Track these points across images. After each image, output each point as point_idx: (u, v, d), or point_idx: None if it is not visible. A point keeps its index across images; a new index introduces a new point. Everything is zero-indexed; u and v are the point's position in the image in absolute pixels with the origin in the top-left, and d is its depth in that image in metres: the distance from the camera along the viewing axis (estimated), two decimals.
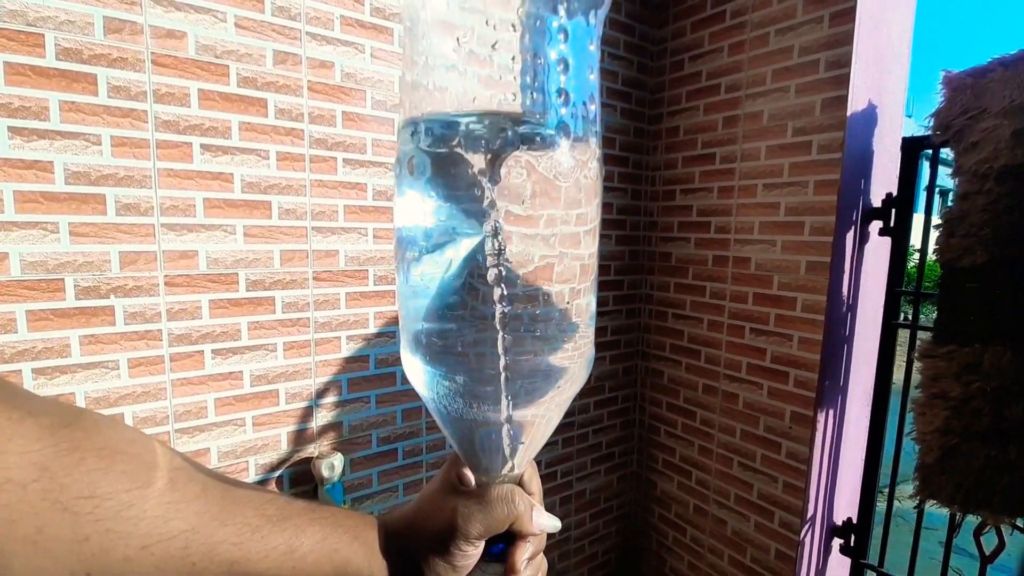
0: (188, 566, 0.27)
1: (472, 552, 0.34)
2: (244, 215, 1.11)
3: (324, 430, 1.26)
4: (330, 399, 1.26)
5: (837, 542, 1.62)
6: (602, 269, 1.80)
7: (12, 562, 0.22)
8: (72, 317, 0.97)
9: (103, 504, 0.24)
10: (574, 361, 0.36)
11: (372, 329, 1.30)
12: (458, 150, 0.32)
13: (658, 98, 1.80)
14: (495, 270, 0.32)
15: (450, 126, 0.32)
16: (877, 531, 1.59)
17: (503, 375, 0.33)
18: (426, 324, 0.35)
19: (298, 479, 1.23)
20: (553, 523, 0.37)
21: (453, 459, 0.38)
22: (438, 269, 0.34)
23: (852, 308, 1.48)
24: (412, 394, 1.39)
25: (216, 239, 1.09)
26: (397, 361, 1.35)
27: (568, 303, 0.35)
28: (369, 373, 1.31)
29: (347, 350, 1.27)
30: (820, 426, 1.45)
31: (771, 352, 1.52)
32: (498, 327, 0.33)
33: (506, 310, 0.32)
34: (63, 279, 0.96)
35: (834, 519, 1.61)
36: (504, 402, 0.34)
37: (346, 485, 1.29)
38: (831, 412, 1.49)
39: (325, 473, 1.18)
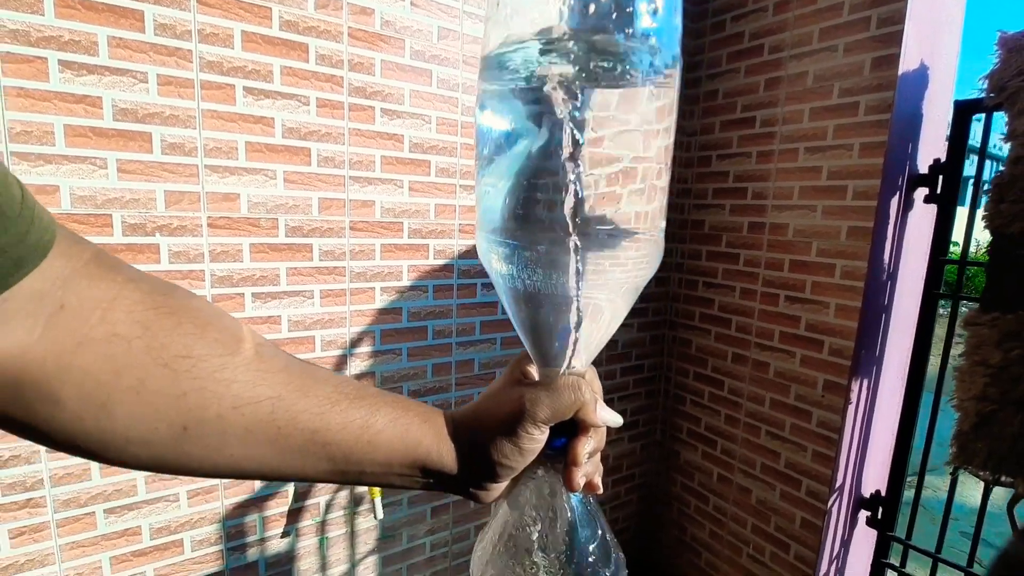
0: (274, 430, 0.28)
1: (538, 436, 0.34)
2: (284, 160, 1.12)
3: (357, 379, 1.27)
4: (364, 349, 1.27)
5: (864, 514, 1.60)
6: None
7: (116, 410, 0.24)
8: (119, 253, 0.99)
9: (199, 364, 0.26)
10: (646, 247, 0.37)
11: (406, 282, 1.31)
12: (540, 84, 0.32)
13: (697, 61, 1.75)
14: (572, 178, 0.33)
15: (532, 51, 0.32)
16: (904, 514, 1.57)
17: (577, 250, 0.34)
18: (508, 199, 0.36)
19: None
20: (615, 418, 0.38)
21: (518, 358, 0.39)
22: (516, 161, 0.35)
23: (893, 276, 1.45)
24: (443, 349, 1.40)
25: (257, 183, 1.09)
26: (429, 315, 1.36)
27: (642, 204, 0.36)
28: (401, 326, 1.32)
29: (381, 301, 1.28)
30: (854, 395, 1.43)
31: (806, 320, 1.49)
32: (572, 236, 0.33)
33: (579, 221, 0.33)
34: (111, 215, 0.97)
35: (862, 491, 1.59)
36: (577, 277, 0.34)
37: None
38: (865, 382, 1.47)
39: None
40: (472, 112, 1.31)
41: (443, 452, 0.34)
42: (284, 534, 1.24)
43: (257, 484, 1.18)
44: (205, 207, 1.05)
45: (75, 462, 1.00)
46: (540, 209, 0.36)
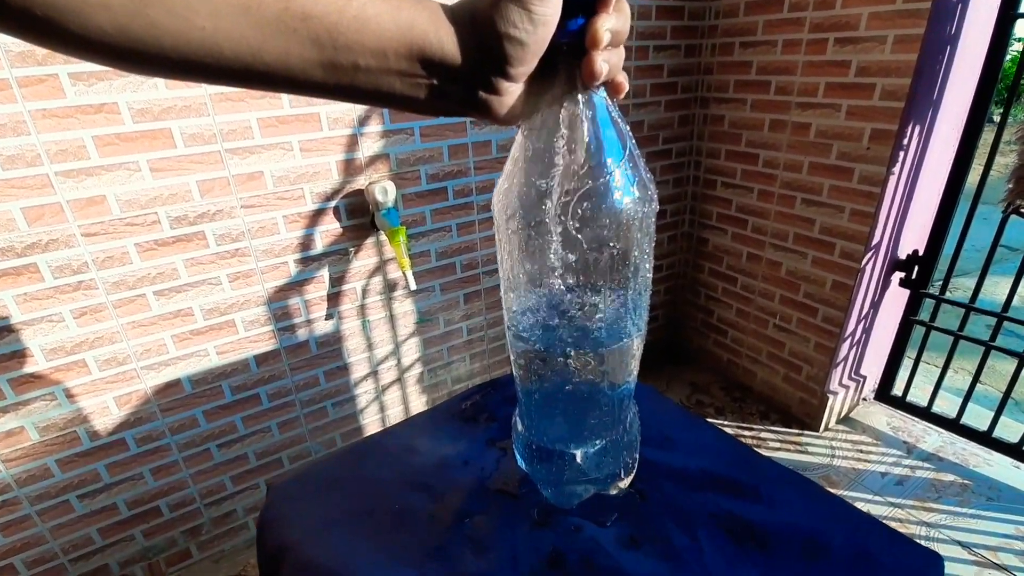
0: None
1: None
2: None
3: (372, 161, 1.23)
4: (373, 128, 1.21)
5: (898, 275, 1.59)
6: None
7: None
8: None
9: None
10: None
11: None
12: None
13: None
14: None
15: None
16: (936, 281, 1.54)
17: None
18: None
19: (354, 210, 1.24)
20: None
21: None
22: None
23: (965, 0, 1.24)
24: (458, 128, 1.32)
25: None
26: None
27: None
28: None
29: None
30: (904, 141, 1.32)
31: (857, 63, 1.33)
32: None
33: None
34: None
35: (898, 253, 1.56)
36: None
37: (401, 220, 1.30)
38: (918, 128, 1.34)
39: (379, 197, 1.18)
40: None
41: (442, 35, 0.28)
42: (327, 316, 1.31)
43: (292, 268, 1.21)
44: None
45: (112, 245, 1.03)
46: None
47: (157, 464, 1.21)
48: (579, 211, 0.38)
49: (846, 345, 1.60)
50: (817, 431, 1.69)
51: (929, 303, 1.58)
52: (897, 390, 1.74)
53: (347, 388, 1.41)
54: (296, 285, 1.24)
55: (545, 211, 0.38)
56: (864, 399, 1.80)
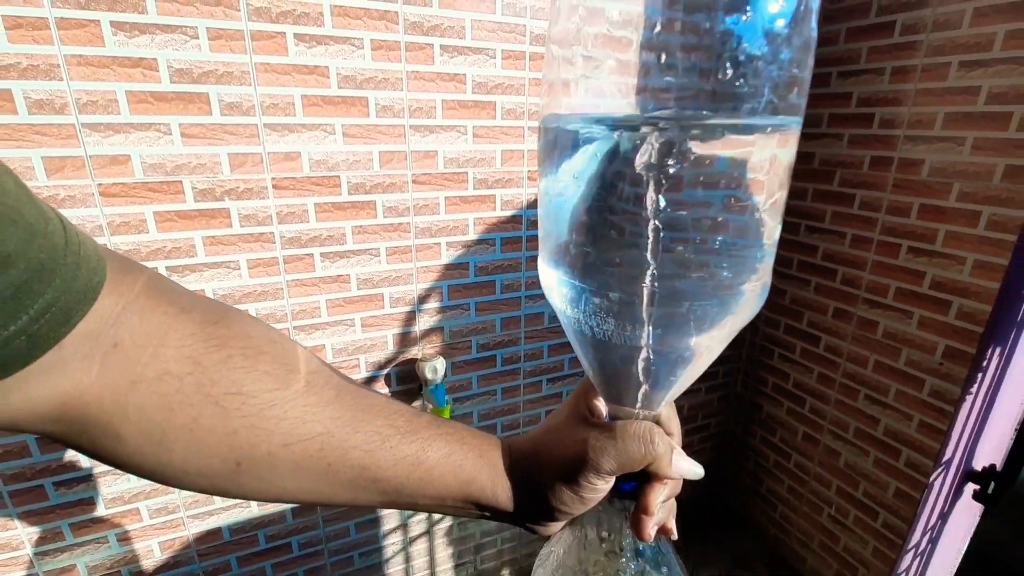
0: (324, 466, 0.28)
1: (601, 486, 0.31)
2: (342, 113, 1.05)
3: (426, 334, 1.28)
4: (431, 304, 1.26)
5: (971, 487, 1.45)
6: None
7: (173, 446, 0.25)
8: (193, 219, 1.01)
9: (249, 401, 0.26)
10: (751, 285, 0.29)
11: (471, 236, 1.25)
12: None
13: None
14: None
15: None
16: None
17: (660, 296, 0.27)
18: (575, 234, 0.29)
19: (404, 377, 1.29)
20: (695, 469, 0.32)
21: (584, 388, 0.34)
22: (593, 166, 0.28)
23: None
24: (511, 303, 1.36)
25: (317, 139, 1.05)
26: (496, 269, 1.31)
27: (759, 213, 0.27)
28: (468, 281, 1.28)
29: (447, 256, 1.24)
30: (983, 363, 1.24)
31: (931, 276, 1.28)
32: (651, 250, 0.26)
33: (661, 222, 0.25)
34: (181, 180, 0.98)
35: (973, 464, 1.43)
36: (662, 328, 0.28)
37: (448, 386, 1.33)
38: (998, 350, 1.26)
39: (429, 375, 1.22)
40: (542, 40, 1.16)
41: (498, 490, 0.32)
42: None
43: None
44: (268, 168, 1.03)
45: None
46: (616, 247, 0.29)
47: None
48: None
49: (909, 556, 1.46)
50: None
51: None
52: None
53: (375, 539, 1.41)
54: None
55: None
56: None
